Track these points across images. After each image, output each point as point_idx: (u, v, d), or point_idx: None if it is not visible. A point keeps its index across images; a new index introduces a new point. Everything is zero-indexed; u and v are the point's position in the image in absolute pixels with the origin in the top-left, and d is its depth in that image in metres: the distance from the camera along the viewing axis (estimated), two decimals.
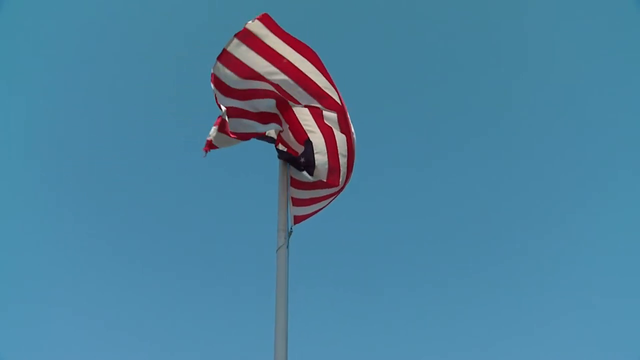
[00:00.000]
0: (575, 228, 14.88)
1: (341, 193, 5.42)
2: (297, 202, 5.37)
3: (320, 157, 5.04)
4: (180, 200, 15.83)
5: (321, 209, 5.47)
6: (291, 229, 5.10)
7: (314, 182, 5.25)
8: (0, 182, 13.74)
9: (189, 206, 15.74)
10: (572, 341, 12.68)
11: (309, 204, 5.41)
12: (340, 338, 13.27)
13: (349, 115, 5.14)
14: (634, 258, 13.07)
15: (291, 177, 5.31)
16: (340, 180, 5.13)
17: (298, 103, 5.12)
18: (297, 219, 5.43)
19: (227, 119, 4.84)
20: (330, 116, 5.13)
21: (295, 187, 5.36)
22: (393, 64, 17.43)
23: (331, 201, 5.43)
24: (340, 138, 5.11)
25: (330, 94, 5.08)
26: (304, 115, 5.17)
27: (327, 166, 5.07)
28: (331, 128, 5.12)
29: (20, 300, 12.71)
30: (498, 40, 16.82)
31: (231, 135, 4.97)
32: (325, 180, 5.14)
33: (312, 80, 5.03)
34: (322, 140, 5.09)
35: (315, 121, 5.15)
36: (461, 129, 16.89)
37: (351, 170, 5.21)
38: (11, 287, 12.58)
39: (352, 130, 5.13)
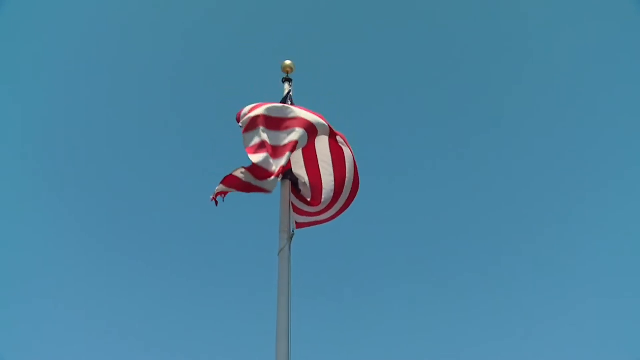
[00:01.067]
0: (572, 229, 14.93)
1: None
2: (296, 210, 5.53)
3: (299, 171, 5.44)
4: (181, 202, 15.86)
5: (322, 221, 5.62)
6: (293, 231, 5.17)
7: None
8: (0, 182, 13.75)
9: (190, 208, 15.75)
10: (569, 341, 12.72)
11: (307, 215, 5.59)
12: (341, 339, 13.30)
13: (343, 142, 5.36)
14: (631, 258, 13.11)
15: (291, 185, 5.46)
16: (324, 198, 5.37)
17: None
18: (299, 225, 5.57)
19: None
20: (323, 139, 5.38)
21: (294, 195, 5.51)
22: (392, 64, 17.46)
23: (334, 217, 5.61)
24: (324, 158, 5.37)
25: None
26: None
27: (306, 180, 5.42)
28: (314, 150, 5.42)
29: (20, 300, 12.73)
30: (498, 40, 16.85)
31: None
32: (309, 200, 5.43)
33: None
34: (302, 157, 5.43)
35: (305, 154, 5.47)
36: (457, 130, 16.92)
37: (339, 193, 5.43)
38: (11, 286, 12.60)
39: (346, 154, 5.34)
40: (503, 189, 16.04)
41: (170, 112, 16.64)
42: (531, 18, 16.00)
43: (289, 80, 6.29)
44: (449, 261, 15.36)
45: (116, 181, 15.58)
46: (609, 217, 14.36)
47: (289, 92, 6.08)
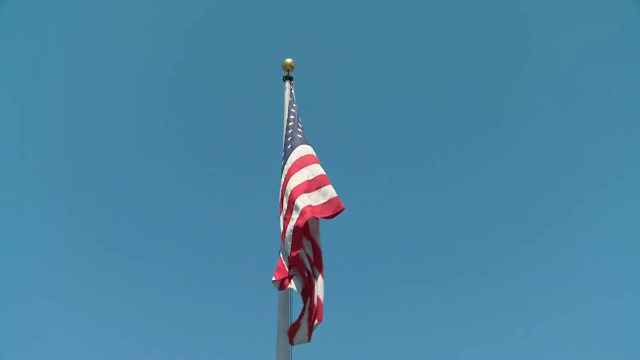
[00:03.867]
0: (572, 229, 14.92)
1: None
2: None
3: None
4: (181, 202, 15.86)
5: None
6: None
7: None
8: (0, 183, 13.75)
9: (190, 208, 15.76)
10: (569, 341, 12.72)
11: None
12: (341, 338, 13.29)
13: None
14: (631, 258, 13.11)
15: None
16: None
17: None
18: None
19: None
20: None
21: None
22: (392, 64, 17.47)
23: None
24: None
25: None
26: None
27: None
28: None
29: (20, 300, 12.72)
30: (498, 40, 16.86)
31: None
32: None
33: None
34: None
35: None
36: (457, 130, 16.91)
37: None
38: (11, 286, 12.59)
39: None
40: (503, 189, 16.05)
41: (170, 112, 16.65)
42: (531, 18, 16.03)
43: (289, 78, 6.26)
44: (449, 261, 15.36)
45: (116, 181, 15.58)
46: (609, 217, 14.37)
47: (291, 98, 6.02)
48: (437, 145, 16.83)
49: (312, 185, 4.95)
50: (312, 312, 4.48)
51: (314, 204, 4.78)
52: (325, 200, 4.77)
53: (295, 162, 5.23)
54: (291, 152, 5.38)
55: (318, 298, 4.48)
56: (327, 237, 5.32)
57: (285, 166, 5.32)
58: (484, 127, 16.66)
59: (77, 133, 15.48)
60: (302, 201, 4.81)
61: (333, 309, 4.71)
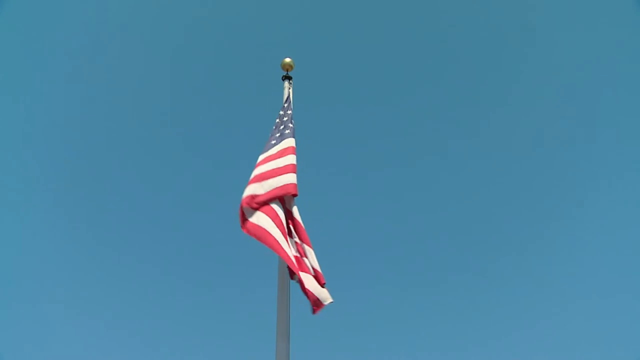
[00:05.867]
0: (572, 229, 14.93)
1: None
2: None
3: None
4: (180, 200, 15.88)
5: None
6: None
7: None
8: (0, 183, 13.77)
9: (189, 207, 15.78)
10: (569, 341, 12.73)
11: None
12: (340, 338, 13.30)
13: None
14: (631, 258, 13.13)
15: None
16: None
17: None
18: None
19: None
20: None
21: None
22: (392, 64, 17.48)
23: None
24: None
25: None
26: None
27: None
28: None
29: (20, 300, 12.74)
30: (497, 40, 16.88)
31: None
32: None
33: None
34: None
35: None
36: (458, 129, 16.92)
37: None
38: (11, 286, 12.60)
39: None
40: (503, 188, 16.06)
41: (170, 111, 16.66)
42: (531, 18, 16.04)
43: (288, 78, 6.27)
44: (448, 261, 15.36)
45: (116, 181, 15.60)
46: (609, 217, 14.38)
47: (288, 97, 6.04)
48: (437, 145, 16.85)
49: (264, 177, 5.01)
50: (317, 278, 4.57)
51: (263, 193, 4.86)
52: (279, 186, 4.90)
53: (268, 156, 5.28)
54: (274, 146, 5.44)
55: (314, 268, 4.61)
56: (325, 236, 5.31)
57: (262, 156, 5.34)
58: (484, 127, 16.69)
59: (77, 133, 15.52)
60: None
61: (332, 308, 4.71)
